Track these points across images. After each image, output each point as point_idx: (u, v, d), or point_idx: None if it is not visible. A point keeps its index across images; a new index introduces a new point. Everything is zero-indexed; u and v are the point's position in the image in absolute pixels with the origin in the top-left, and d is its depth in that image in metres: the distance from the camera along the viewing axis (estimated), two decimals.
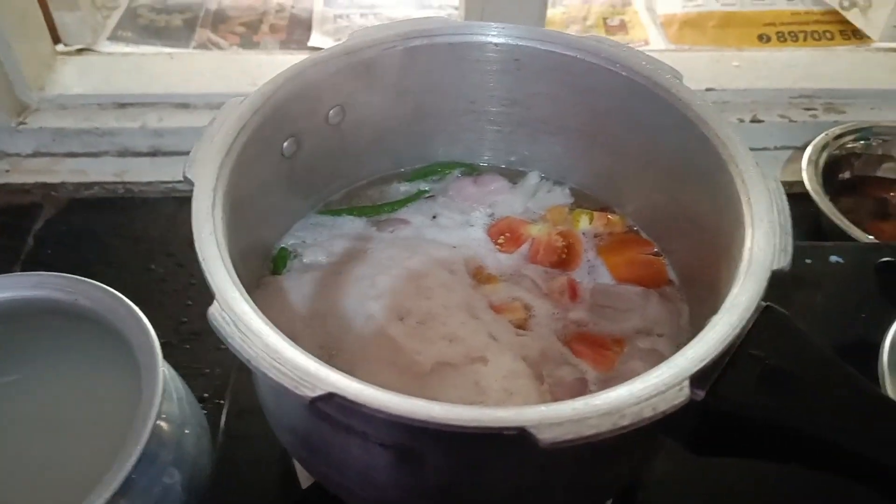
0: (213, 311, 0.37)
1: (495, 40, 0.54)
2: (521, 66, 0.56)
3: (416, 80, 0.56)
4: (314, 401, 0.35)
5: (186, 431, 0.55)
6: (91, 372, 0.59)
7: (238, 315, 0.37)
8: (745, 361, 0.39)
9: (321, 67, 0.51)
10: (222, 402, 0.68)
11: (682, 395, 0.36)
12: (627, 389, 0.36)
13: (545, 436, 0.34)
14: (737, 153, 0.47)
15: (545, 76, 0.56)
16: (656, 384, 0.36)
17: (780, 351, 0.40)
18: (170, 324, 0.74)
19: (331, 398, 0.35)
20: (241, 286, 0.39)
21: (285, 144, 0.51)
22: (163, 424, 0.53)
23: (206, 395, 0.70)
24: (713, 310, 0.46)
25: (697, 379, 0.37)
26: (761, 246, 0.42)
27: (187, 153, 0.87)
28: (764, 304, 0.40)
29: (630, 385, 0.36)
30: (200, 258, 0.39)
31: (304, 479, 0.54)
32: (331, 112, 0.54)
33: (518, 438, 0.34)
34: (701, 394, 0.38)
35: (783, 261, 0.41)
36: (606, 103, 0.55)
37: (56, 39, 0.93)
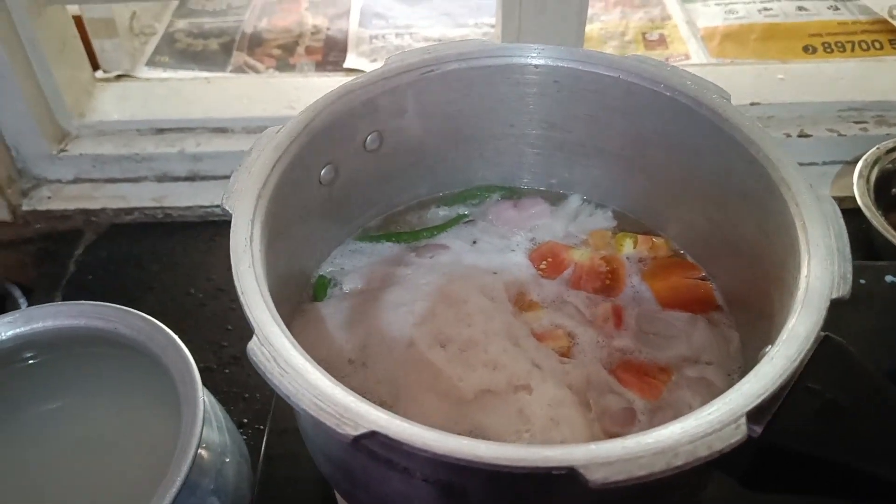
0: (253, 346, 0.37)
1: (535, 62, 0.54)
2: (560, 88, 0.55)
3: (454, 104, 0.55)
4: (357, 439, 0.34)
5: (227, 460, 0.54)
6: (132, 399, 0.59)
7: (278, 350, 0.37)
8: (803, 395, 0.38)
9: (358, 94, 0.51)
10: (262, 427, 0.68)
11: (740, 433, 0.34)
12: (680, 426, 0.34)
13: (595, 476, 0.33)
14: (789, 176, 0.46)
15: (585, 98, 0.55)
16: (711, 421, 0.35)
17: (839, 384, 0.39)
18: (210, 348, 0.74)
19: (373, 436, 0.34)
20: (280, 320, 0.38)
21: (323, 172, 0.51)
22: (203, 453, 0.52)
23: (245, 420, 0.70)
24: (765, 337, 0.44)
25: (754, 415, 0.35)
26: (818, 273, 0.40)
27: (225, 177, 0.89)
28: (822, 334, 0.39)
29: (683, 422, 0.35)
30: (239, 292, 0.39)
31: None
32: (368, 138, 0.53)
33: (567, 478, 0.33)
34: (758, 430, 0.36)
35: (842, 289, 0.40)
36: (649, 124, 0.54)
37: (95, 66, 0.95)
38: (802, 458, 0.37)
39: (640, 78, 0.52)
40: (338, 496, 0.55)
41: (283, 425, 0.60)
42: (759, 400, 0.35)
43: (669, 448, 0.33)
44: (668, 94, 0.51)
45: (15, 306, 0.80)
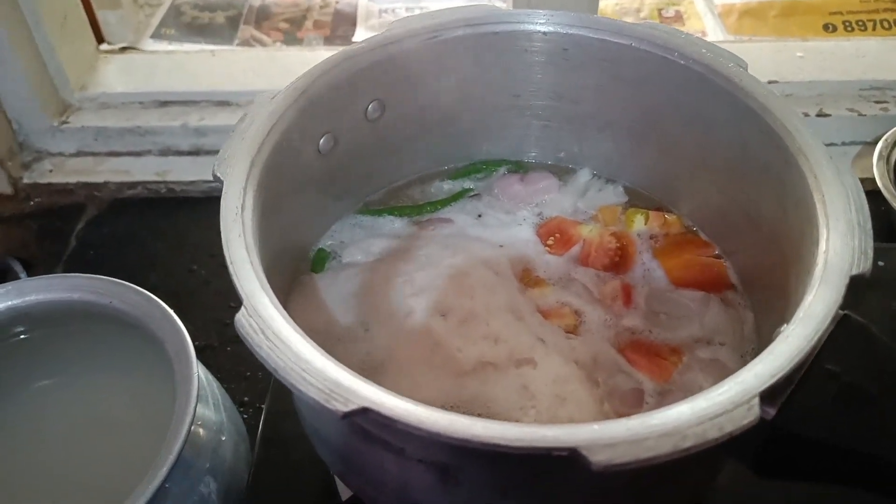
0: (240, 317, 0.35)
1: (543, 29, 0.51)
2: (569, 57, 0.52)
3: (459, 73, 0.53)
4: (346, 415, 0.32)
5: (223, 438, 0.53)
6: (128, 375, 0.58)
7: (266, 322, 0.35)
8: (821, 378, 0.36)
9: (358, 59, 0.49)
10: (262, 406, 0.66)
11: (752, 414, 0.32)
12: (689, 407, 0.33)
13: (598, 458, 0.31)
14: (807, 146, 0.43)
15: (595, 67, 0.52)
16: (722, 402, 0.33)
17: (860, 366, 0.37)
18: (213, 326, 0.73)
19: (364, 413, 0.32)
20: (270, 291, 0.37)
21: (321, 141, 0.49)
22: (199, 431, 0.51)
23: (246, 398, 0.68)
24: (782, 317, 0.42)
25: (768, 396, 0.33)
26: (837, 249, 0.38)
27: None
28: (841, 313, 0.36)
29: (692, 402, 0.33)
30: (228, 261, 0.37)
31: (344, 491, 0.52)
32: (369, 107, 0.51)
33: (568, 460, 0.31)
34: (771, 412, 0.34)
35: (863, 265, 0.37)
36: (661, 95, 0.52)
37: (99, 38, 0.93)
38: (819, 445, 0.35)
39: (652, 45, 0.50)
40: (337, 482, 0.53)
41: (282, 405, 0.58)
42: (773, 380, 0.33)
43: (677, 430, 0.32)
44: (681, 62, 0.49)
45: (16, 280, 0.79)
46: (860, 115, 0.87)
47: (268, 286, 0.37)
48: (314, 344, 0.35)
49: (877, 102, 0.88)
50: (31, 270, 0.80)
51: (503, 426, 0.32)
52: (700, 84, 0.48)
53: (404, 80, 0.51)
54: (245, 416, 0.62)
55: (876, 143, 0.82)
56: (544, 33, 0.51)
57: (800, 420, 0.35)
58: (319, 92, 0.47)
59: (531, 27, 0.51)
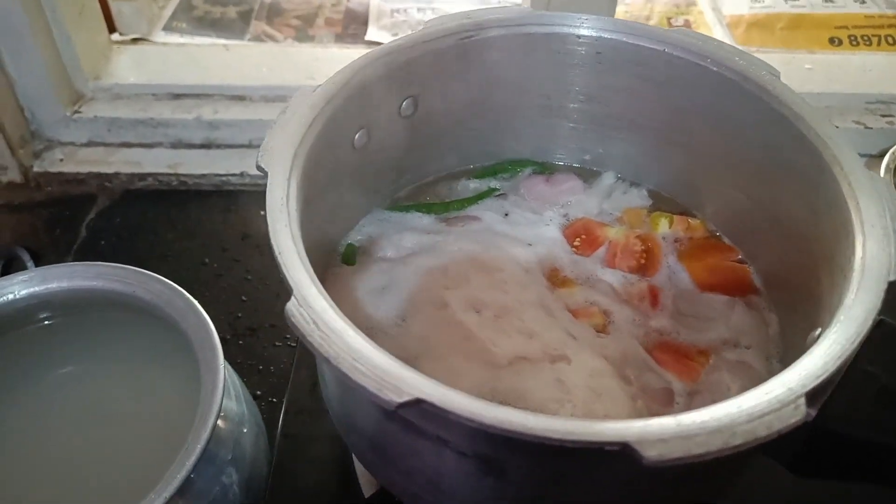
0: (291, 307, 0.35)
1: (578, 32, 0.52)
2: (602, 60, 0.53)
3: (492, 72, 0.54)
4: (400, 405, 0.32)
5: (245, 430, 0.53)
6: (148, 364, 0.58)
7: (318, 312, 0.35)
8: (860, 379, 0.36)
9: (395, 56, 0.49)
10: (276, 400, 0.66)
11: (799, 413, 0.33)
12: (737, 405, 0.33)
13: (650, 453, 0.31)
14: (841, 154, 0.44)
15: (627, 70, 0.53)
16: (769, 401, 0.33)
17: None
18: (224, 318, 0.73)
19: (417, 404, 0.32)
20: (318, 282, 0.37)
21: (357, 136, 0.49)
22: (221, 423, 0.51)
23: (258, 392, 0.68)
24: (810, 320, 0.43)
25: (811, 396, 0.34)
26: (874, 254, 0.39)
27: (242, 146, 0.87)
28: (879, 317, 0.37)
29: (738, 401, 0.33)
30: (276, 251, 0.37)
31: (367, 486, 0.52)
32: (403, 103, 0.52)
33: (617, 455, 0.32)
34: (813, 413, 0.35)
35: None
36: (691, 100, 0.52)
37: (111, 29, 0.93)
38: (857, 444, 0.36)
39: (685, 51, 0.51)
40: (357, 471, 0.53)
41: (301, 399, 0.58)
42: (817, 381, 0.34)
43: (727, 427, 0.32)
44: (714, 68, 0.50)
45: (23, 270, 0.79)
46: (867, 127, 0.88)
47: (315, 277, 0.37)
48: (364, 335, 0.35)
49: (883, 116, 0.89)
50: (40, 260, 0.79)
51: (556, 420, 0.32)
52: (732, 90, 0.49)
53: (438, 77, 0.52)
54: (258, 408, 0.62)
55: (881, 155, 0.83)
56: (578, 36, 0.52)
57: (839, 420, 0.35)
58: (358, 87, 0.47)
59: (566, 30, 0.52)
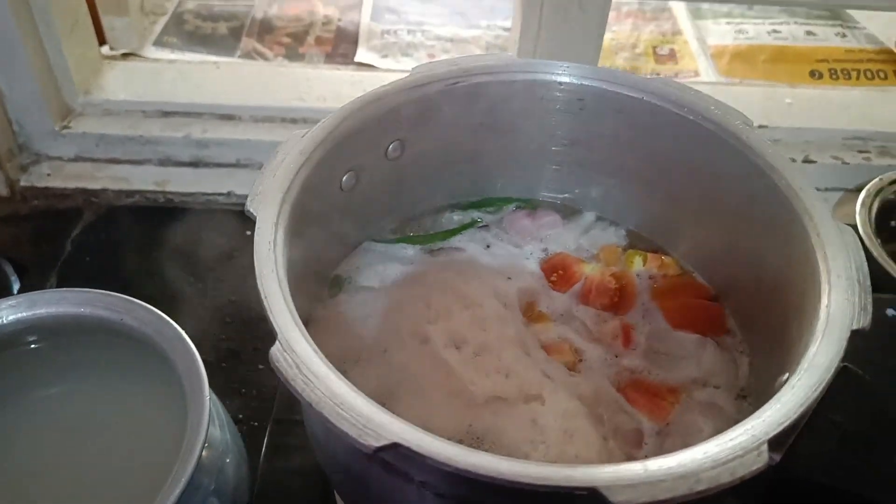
0: (276, 351, 0.36)
1: (560, 79, 0.54)
2: (584, 107, 0.55)
3: (477, 117, 0.55)
4: (378, 450, 0.34)
5: (228, 460, 0.54)
6: (135, 388, 0.58)
7: (300, 357, 0.36)
8: (823, 425, 0.38)
9: (383, 102, 0.51)
10: (257, 423, 0.67)
11: (761, 460, 0.34)
12: (703, 451, 0.35)
13: (618, 498, 0.33)
14: (811, 205, 0.46)
15: (609, 117, 0.55)
16: (733, 447, 0.35)
17: (859, 414, 0.39)
18: (208, 341, 0.73)
19: (395, 448, 0.34)
20: (301, 325, 0.38)
21: (344, 178, 0.51)
22: (205, 452, 0.51)
23: (240, 416, 0.69)
24: (779, 365, 0.45)
25: (774, 442, 0.36)
26: (839, 304, 0.41)
27: (230, 165, 0.88)
28: (841, 364, 0.39)
29: (703, 447, 0.35)
30: (262, 296, 0.39)
31: None
32: (390, 146, 0.53)
33: (588, 499, 0.33)
34: (776, 458, 0.36)
35: (863, 320, 0.40)
36: (670, 147, 0.54)
37: (102, 42, 0.93)
38: (820, 488, 0.37)
39: (664, 101, 0.52)
40: (337, 501, 0.54)
41: (285, 427, 0.59)
42: (780, 427, 0.36)
43: (692, 473, 0.34)
44: (691, 117, 0.52)
45: (6, 284, 0.79)
46: (844, 163, 0.90)
47: (299, 320, 0.38)
48: (346, 380, 0.36)
49: (860, 152, 0.91)
50: (24, 274, 0.80)
51: (528, 465, 0.33)
52: (710, 139, 0.51)
53: (425, 122, 0.53)
54: (240, 433, 0.63)
55: (858, 190, 0.85)
56: (560, 83, 0.54)
57: (806, 464, 0.37)
58: (346, 132, 0.49)
59: (549, 77, 0.53)
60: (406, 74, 0.52)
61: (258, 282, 0.39)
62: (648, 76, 0.53)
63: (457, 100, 0.53)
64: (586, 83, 0.53)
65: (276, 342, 0.37)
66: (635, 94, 0.52)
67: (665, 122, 0.52)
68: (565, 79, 0.53)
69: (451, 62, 0.52)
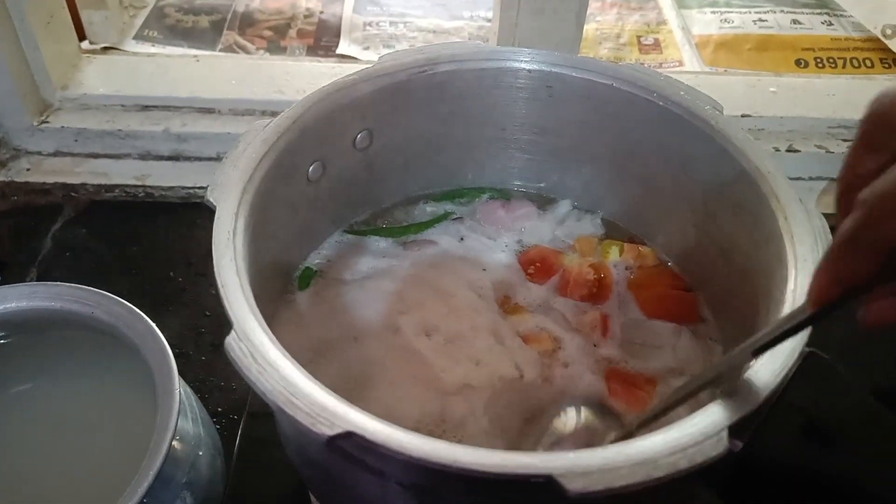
0: (230, 341, 0.36)
1: (528, 66, 0.53)
2: (553, 94, 0.54)
3: (446, 106, 0.55)
4: (331, 439, 0.33)
5: (200, 453, 0.53)
6: (107, 383, 0.58)
7: (255, 346, 0.36)
8: (787, 412, 0.38)
9: (349, 91, 0.50)
10: (236, 417, 0.67)
11: (720, 446, 0.34)
12: (662, 438, 0.34)
13: (574, 486, 0.32)
14: (779, 189, 0.46)
15: (578, 104, 0.54)
16: (693, 434, 0.34)
17: (824, 401, 0.39)
18: (188, 334, 0.73)
19: (349, 437, 0.33)
20: (259, 315, 0.38)
21: (311, 169, 0.50)
22: (177, 445, 0.51)
23: (220, 409, 0.68)
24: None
25: (736, 429, 0.35)
26: (805, 288, 0.40)
27: (210, 159, 0.88)
28: (807, 349, 0.38)
29: (664, 433, 0.35)
30: (219, 285, 0.38)
31: None
32: (358, 136, 0.53)
33: (545, 486, 0.33)
34: (739, 444, 0.36)
35: None
36: (640, 133, 0.53)
37: (81, 37, 0.93)
38: (786, 474, 0.37)
39: (633, 86, 0.52)
40: (312, 500, 0.54)
41: (259, 420, 0.59)
42: (741, 414, 0.35)
43: (649, 459, 0.33)
44: (661, 103, 0.51)
45: None
46: (828, 151, 0.89)
47: (257, 310, 0.38)
48: (301, 368, 0.36)
49: (844, 140, 0.91)
50: (4, 269, 0.80)
51: (483, 452, 0.33)
52: (679, 125, 0.50)
53: (393, 111, 0.53)
54: (218, 426, 0.63)
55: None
56: (528, 70, 0.53)
57: (769, 451, 0.37)
58: (311, 121, 0.48)
59: (516, 65, 0.53)
60: (372, 64, 0.51)
61: (215, 271, 0.38)
62: (616, 62, 0.52)
63: (424, 89, 0.52)
64: (554, 70, 0.53)
65: (232, 331, 0.36)
66: (604, 80, 0.52)
67: (635, 108, 0.52)
68: (532, 66, 0.53)
69: (418, 50, 0.52)
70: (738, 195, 0.48)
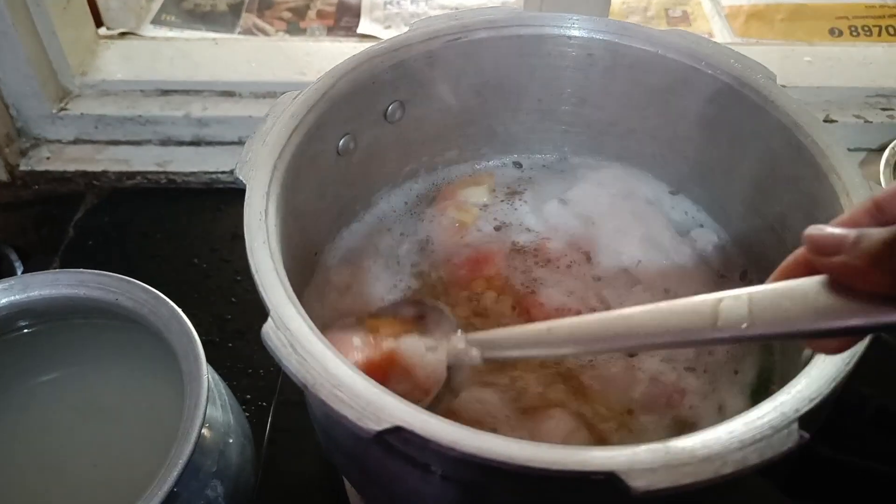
0: (268, 329, 0.34)
1: (569, 33, 0.50)
2: (594, 62, 0.51)
3: (481, 75, 0.52)
4: (379, 434, 0.31)
5: (230, 441, 0.52)
6: (133, 371, 0.57)
7: (295, 335, 0.34)
8: (855, 400, 0.35)
9: (380, 60, 0.48)
10: (265, 404, 0.65)
11: (791, 440, 0.32)
12: (727, 431, 0.32)
13: (637, 483, 0.30)
14: (839, 164, 0.43)
15: (620, 74, 0.52)
16: (761, 426, 0.32)
17: (893, 388, 0.36)
18: (213, 321, 0.72)
19: (397, 432, 0.31)
20: (296, 300, 0.36)
21: (341, 142, 0.48)
22: (206, 433, 0.50)
23: (248, 396, 0.67)
24: None
25: (805, 420, 0.33)
26: None
27: (232, 143, 0.86)
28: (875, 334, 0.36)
29: (730, 425, 0.32)
30: (253, 270, 0.36)
31: (354, 497, 0.51)
32: (389, 108, 0.50)
33: (604, 484, 0.31)
34: (807, 437, 0.34)
35: None
36: (686, 104, 0.51)
37: (98, 23, 0.91)
38: (852, 467, 0.35)
39: (679, 54, 0.49)
40: (345, 482, 0.52)
41: (288, 407, 0.57)
42: (811, 404, 0.33)
43: (717, 455, 0.31)
44: (709, 71, 0.49)
45: (10, 270, 0.78)
46: (866, 121, 0.87)
47: (294, 296, 0.36)
48: (343, 359, 0.34)
49: (883, 110, 0.88)
50: (28, 259, 0.78)
51: (540, 448, 0.31)
52: (728, 95, 0.48)
53: (426, 81, 0.50)
54: (247, 414, 0.62)
55: (881, 149, 0.82)
56: (569, 38, 0.50)
57: (834, 442, 0.34)
58: (341, 92, 0.46)
59: (557, 31, 0.50)
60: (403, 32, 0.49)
61: (248, 255, 0.36)
62: (663, 29, 0.49)
63: (458, 57, 0.50)
64: (597, 37, 0.50)
65: (269, 319, 0.34)
66: (649, 47, 0.49)
67: (680, 78, 0.49)
68: (574, 32, 0.50)
69: (452, 16, 0.49)
70: (794, 170, 0.45)
